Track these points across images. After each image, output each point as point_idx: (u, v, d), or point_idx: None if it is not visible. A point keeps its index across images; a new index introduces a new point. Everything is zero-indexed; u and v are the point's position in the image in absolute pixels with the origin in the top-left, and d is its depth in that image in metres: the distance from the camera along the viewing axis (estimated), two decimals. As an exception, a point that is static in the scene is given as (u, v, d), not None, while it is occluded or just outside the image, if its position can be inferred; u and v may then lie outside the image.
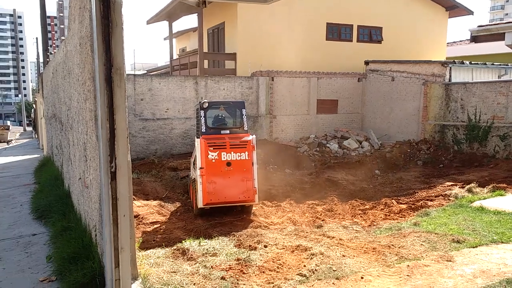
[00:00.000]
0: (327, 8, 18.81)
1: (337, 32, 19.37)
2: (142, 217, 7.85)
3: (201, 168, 7.46)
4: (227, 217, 7.85)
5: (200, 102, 8.10)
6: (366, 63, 18.37)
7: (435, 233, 6.45)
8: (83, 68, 5.13)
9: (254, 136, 7.96)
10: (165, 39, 26.79)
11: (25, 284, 4.83)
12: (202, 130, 7.78)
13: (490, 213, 7.43)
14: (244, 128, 8.11)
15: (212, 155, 7.44)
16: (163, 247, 6.10)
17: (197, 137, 7.94)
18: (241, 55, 17.43)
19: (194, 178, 8.19)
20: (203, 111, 7.85)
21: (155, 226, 7.45)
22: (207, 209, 7.71)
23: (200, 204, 7.53)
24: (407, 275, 4.94)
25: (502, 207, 7.67)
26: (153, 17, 22.15)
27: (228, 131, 7.94)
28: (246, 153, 7.61)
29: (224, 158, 7.48)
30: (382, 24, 20.14)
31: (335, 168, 12.89)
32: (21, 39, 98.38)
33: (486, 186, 9.34)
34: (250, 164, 7.65)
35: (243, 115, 8.18)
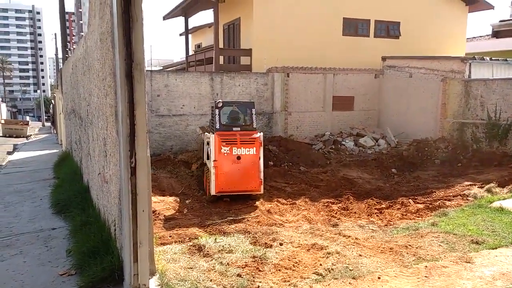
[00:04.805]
0: (344, 3, 18.58)
1: (354, 27, 19.14)
2: (158, 213, 7.94)
3: (214, 160, 8.43)
4: (243, 214, 7.90)
5: (215, 101, 9.08)
6: (383, 59, 18.12)
7: (454, 234, 6.36)
8: (103, 63, 5.19)
9: (261, 133, 8.90)
10: (180, 35, 26.91)
11: (45, 277, 4.93)
12: (216, 127, 8.72)
13: (510, 214, 7.27)
14: (253, 126, 9.07)
15: (225, 150, 8.38)
16: (179, 243, 6.17)
17: (212, 133, 8.82)
18: (256, 51, 17.38)
19: (208, 169, 9.02)
20: (217, 110, 8.81)
21: (172, 222, 7.52)
22: (219, 196, 8.73)
23: (212, 192, 8.55)
24: (425, 276, 4.88)
25: (523, 208, 7.50)
26: (169, 12, 22.27)
27: (239, 128, 8.89)
28: (254, 148, 8.56)
29: (235, 152, 8.46)
30: (400, 19, 19.80)
31: (350, 166, 12.78)
32: (39, 35, 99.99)
33: (506, 186, 9.15)
34: (257, 158, 8.60)
35: (252, 114, 9.17)
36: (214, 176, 8.41)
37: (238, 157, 8.43)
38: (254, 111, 9.19)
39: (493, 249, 5.72)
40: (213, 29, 17.87)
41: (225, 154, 8.38)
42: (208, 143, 9.95)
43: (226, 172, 8.42)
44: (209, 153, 9.45)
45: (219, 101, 8.94)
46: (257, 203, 8.67)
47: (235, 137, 8.51)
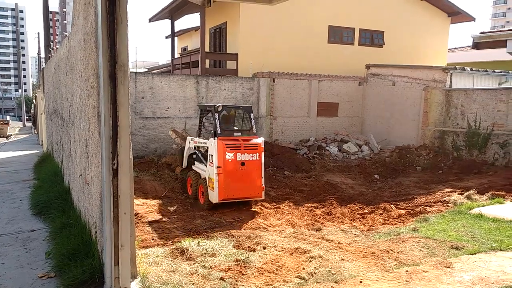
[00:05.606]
0: (330, 11, 18.83)
1: (339, 35, 19.39)
2: (141, 216, 7.84)
3: (218, 167, 8.05)
4: (227, 218, 7.87)
5: (214, 105, 8.61)
6: (367, 67, 18.40)
7: (434, 239, 6.46)
8: (86, 64, 5.12)
9: (263, 138, 8.67)
10: (166, 37, 26.79)
11: (24, 279, 4.81)
12: (218, 132, 8.31)
13: (489, 221, 7.44)
14: (253, 131, 8.80)
15: (229, 156, 8.09)
16: (162, 246, 6.10)
17: (213, 138, 8.37)
18: (242, 56, 17.43)
19: (196, 173, 8.98)
20: (217, 114, 8.41)
21: (154, 225, 7.44)
22: (219, 204, 8.37)
23: (215, 200, 8.16)
24: (406, 281, 4.94)
25: (501, 214, 7.68)
26: (155, 15, 22.16)
27: (240, 133, 8.61)
28: (257, 154, 8.34)
29: (239, 158, 8.17)
30: (384, 28, 20.18)
31: (334, 171, 12.88)
32: (22, 33, 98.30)
33: (485, 194, 9.35)
34: (260, 164, 8.38)
35: (251, 118, 8.87)
36: (217, 183, 8.02)
37: (242, 163, 8.15)
38: (253, 116, 8.94)
39: (472, 254, 5.83)
40: (200, 32, 17.86)
41: (230, 160, 8.03)
42: (195, 148, 9.83)
43: (230, 178, 8.08)
44: (201, 158, 9.25)
45: (219, 105, 8.51)
46: (241, 206, 8.65)
47: (238, 143, 8.20)
